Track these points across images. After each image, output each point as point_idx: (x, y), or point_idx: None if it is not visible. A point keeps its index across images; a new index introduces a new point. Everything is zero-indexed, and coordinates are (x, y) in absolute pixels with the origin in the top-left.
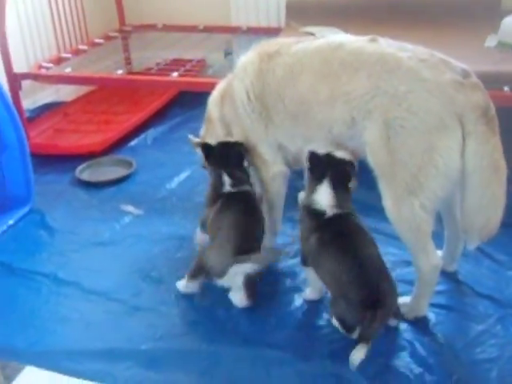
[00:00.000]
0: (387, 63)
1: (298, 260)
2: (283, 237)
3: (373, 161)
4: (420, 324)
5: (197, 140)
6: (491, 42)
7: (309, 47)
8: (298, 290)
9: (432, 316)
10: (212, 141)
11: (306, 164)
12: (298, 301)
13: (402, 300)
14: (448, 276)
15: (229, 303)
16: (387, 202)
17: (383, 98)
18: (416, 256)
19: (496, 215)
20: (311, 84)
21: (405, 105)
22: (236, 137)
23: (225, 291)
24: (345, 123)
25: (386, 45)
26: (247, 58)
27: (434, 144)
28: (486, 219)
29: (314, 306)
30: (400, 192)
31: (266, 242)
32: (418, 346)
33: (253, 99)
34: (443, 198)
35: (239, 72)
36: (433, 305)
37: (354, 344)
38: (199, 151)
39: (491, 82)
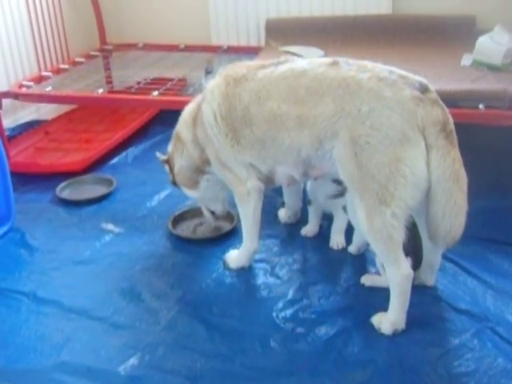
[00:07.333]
0: (349, 86)
1: (278, 276)
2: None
3: (343, 176)
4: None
5: (163, 157)
6: (467, 60)
7: (273, 74)
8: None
9: None
10: (185, 161)
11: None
12: (276, 318)
13: (380, 315)
14: (425, 291)
15: (209, 322)
16: (360, 214)
17: (347, 118)
18: (388, 266)
19: (458, 222)
20: (278, 110)
21: (368, 123)
22: (210, 157)
23: (205, 310)
24: (313, 146)
25: (347, 67)
26: (215, 82)
27: (399, 156)
28: (449, 226)
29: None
30: (371, 203)
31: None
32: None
33: (219, 121)
34: (413, 206)
35: (207, 95)
36: None
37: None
38: (167, 168)
39: (467, 99)
